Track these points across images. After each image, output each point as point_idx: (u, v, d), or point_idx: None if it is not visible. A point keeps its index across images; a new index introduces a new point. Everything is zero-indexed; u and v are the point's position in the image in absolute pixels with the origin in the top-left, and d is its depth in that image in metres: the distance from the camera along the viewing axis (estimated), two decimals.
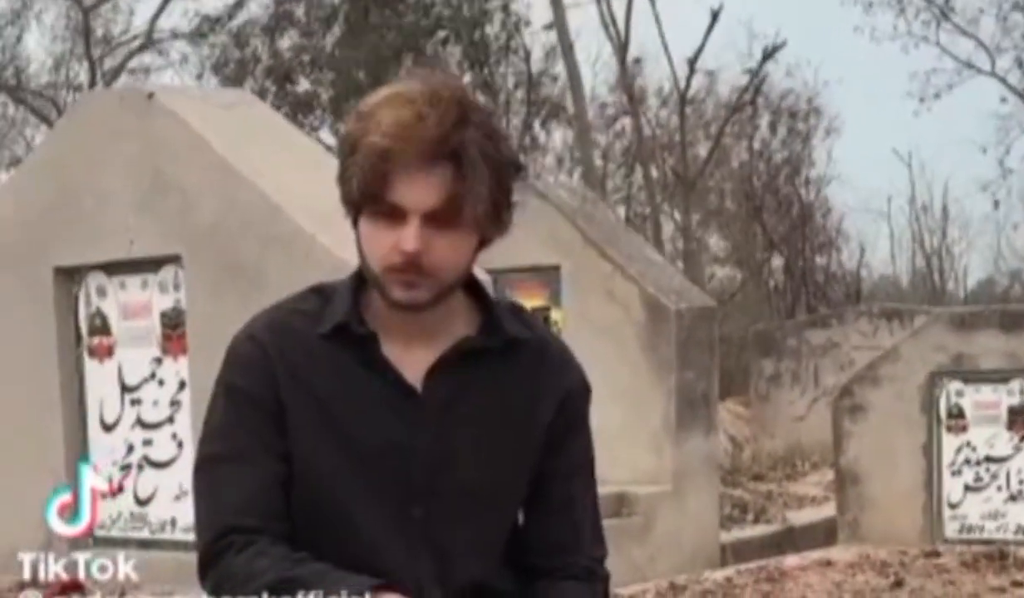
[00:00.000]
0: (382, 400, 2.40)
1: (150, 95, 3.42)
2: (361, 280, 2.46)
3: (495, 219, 2.41)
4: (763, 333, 10.03)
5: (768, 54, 18.94)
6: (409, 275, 2.33)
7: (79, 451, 3.53)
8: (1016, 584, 4.77)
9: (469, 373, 2.45)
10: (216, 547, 2.34)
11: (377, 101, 2.30)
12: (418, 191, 2.28)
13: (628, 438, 5.89)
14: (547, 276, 6.38)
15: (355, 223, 2.39)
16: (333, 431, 2.38)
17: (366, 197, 2.30)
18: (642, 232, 19.98)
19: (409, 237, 2.29)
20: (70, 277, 3.52)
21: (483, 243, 2.39)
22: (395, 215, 2.30)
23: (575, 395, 2.55)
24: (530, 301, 6.40)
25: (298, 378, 2.38)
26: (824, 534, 6.24)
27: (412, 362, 2.42)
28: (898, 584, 4.72)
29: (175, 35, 19.12)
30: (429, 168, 2.28)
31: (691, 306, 6.02)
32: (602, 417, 6.22)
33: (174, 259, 3.35)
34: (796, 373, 9.52)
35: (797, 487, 7.63)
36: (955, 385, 5.70)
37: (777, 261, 19.87)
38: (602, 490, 5.68)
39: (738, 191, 20.71)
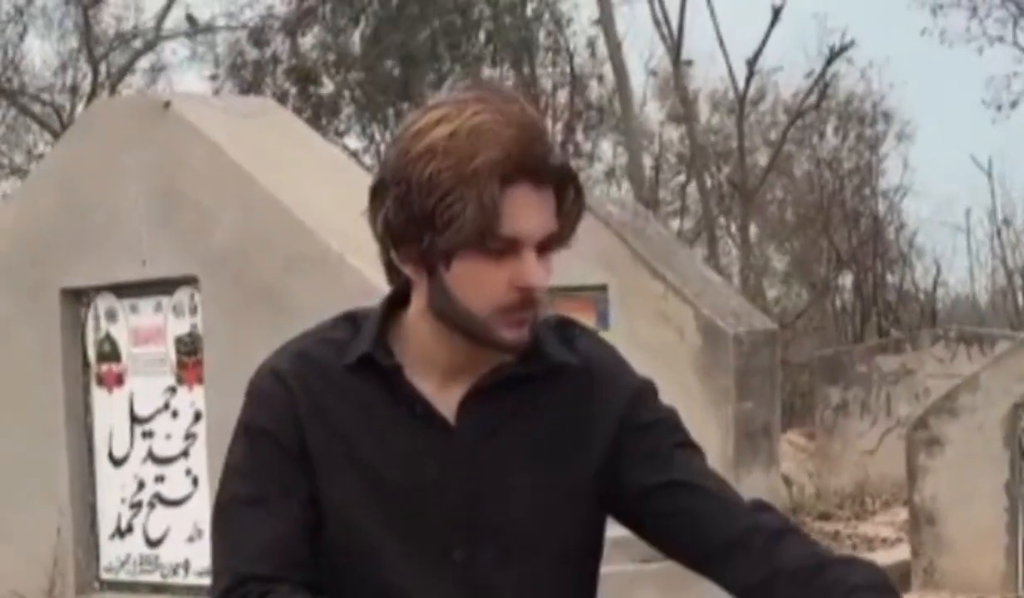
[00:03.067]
0: (412, 436, 2.41)
1: (166, 104, 3.45)
2: (392, 307, 2.47)
3: (574, 233, 2.44)
4: (829, 358, 9.98)
5: (835, 54, 18.90)
6: (523, 313, 2.34)
7: (86, 488, 3.55)
8: None
9: (508, 402, 2.45)
10: (231, 596, 2.36)
11: (464, 127, 2.30)
12: (535, 219, 2.30)
13: None
14: (593, 296, 6.37)
15: (432, 271, 2.38)
16: (361, 471, 2.39)
17: (479, 233, 2.30)
18: (696, 247, 19.99)
19: (533, 270, 2.30)
20: (77, 299, 3.54)
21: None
22: (508, 250, 2.30)
23: (637, 396, 2.54)
24: None
25: (323, 415, 2.40)
26: (897, 579, 6.19)
27: (446, 394, 2.43)
28: None
29: (187, 33, 19.20)
30: (540, 192, 2.30)
31: (751, 330, 6.02)
32: None
33: (190, 281, 3.37)
34: (866, 402, 9.47)
35: (867, 527, 7.59)
36: None
37: (845, 279, 19.78)
38: None
39: (801, 203, 20.65)
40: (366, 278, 2.47)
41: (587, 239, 5.95)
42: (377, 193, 2.34)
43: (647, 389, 2.53)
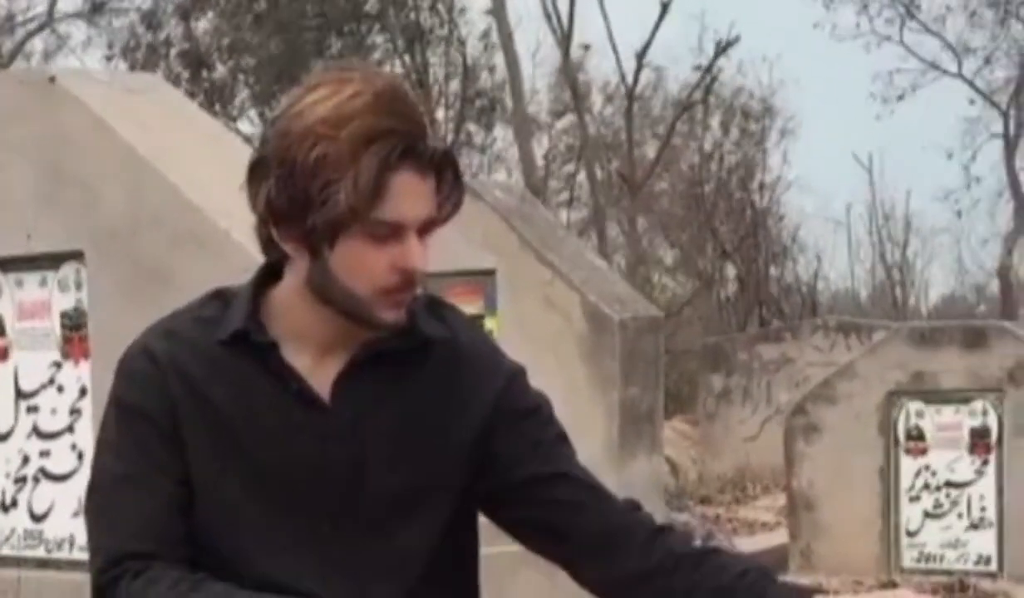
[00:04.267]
0: (286, 413, 2.39)
1: (51, 78, 3.38)
2: (261, 285, 2.45)
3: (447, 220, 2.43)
4: (712, 347, 10.09)
5: (720, 50, 19.03)
6: (403, 294, 2.34)
7: None
8: None
9: (382, 379, 2.45)
10: (110, 574, 2.34)
11: (345, 109, 2.29)
12: (418, 204, 2.29)
13: None
14: (481, 281, 6.36)
15: (315, 251, 2.37)
16: (233, 448, 2.37)
17: (358, 216, 2.29)
18: (585, 238, 20.05)
19: (415, 253, 2.30)
20: None
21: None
22: (390, 233, 2.30)
23: (511, 380, 2.55)
24: (464, 307, 6.37)
25: (195, 391, 2.37)
26: (775, 562, 6.27)
27: (321, 370, 2.41)
28: None
29: (79, 15, 18.98)
30: (424, 178, 2.29)
31: (636, 316, 6.04)
32: None
33: (76, 256, 3.31)
34: (747, 390, 9.58)
35: (747, 512, 7.68)
36: (915, 405, 5.76)
37: (729, 272, 19.93)
38: None
39: (687, 195, 20.78)
40: (251, 255, 2.43)
41: (475, 224, 5.97)
42: (257, 170, 2.31)
43: (521, 374, 2.53)
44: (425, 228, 2.33)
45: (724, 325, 17.05)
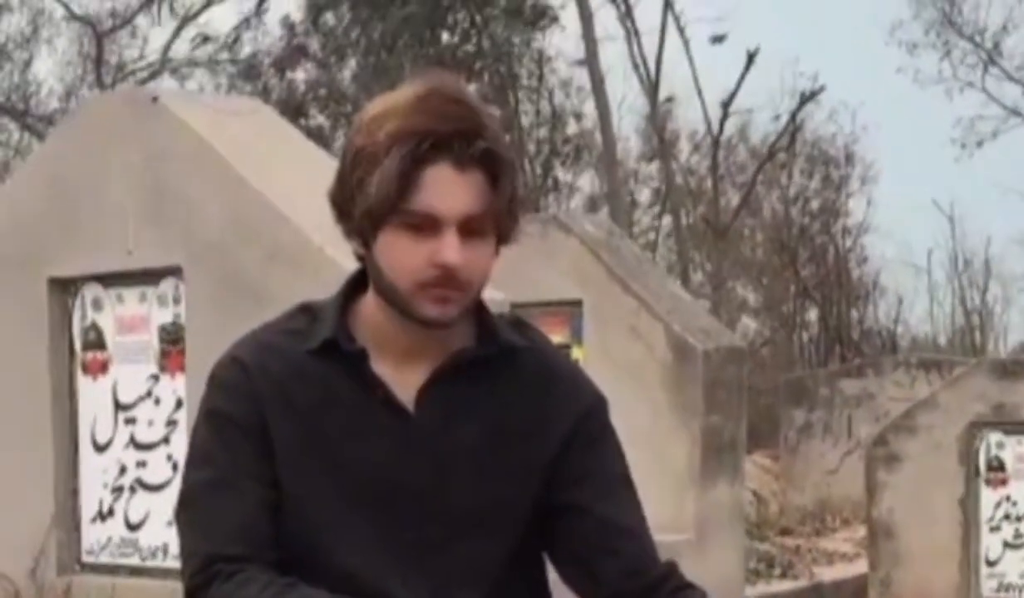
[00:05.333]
0: (372, 421, 2.36)
1: (154, 99, 3.39)
2: (348, 296, 2.42)
3: (515, 226, 2.40)
4: (795, 382, 9.96)
5: (805, 100, 18.94)
6: (444, 290, 2.30)
7: (69, 472, 3.48)
8: None
9: (466, 389, 2.41)
10: (202, 577, 2.31)
11: (390, 107, 2.27)
12: (455, 197, 2.26)
13: (648, 484, 5.77)
14: (568, 312, 6.33)
15: (366, 243, 2.36)
16: (320, 454, 2.34)
17: (392, 207, 2.27)
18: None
19: (450, 248, 2.26)
20: (65, 288, 3.48)
21: (496, 252, 2.36)
22: (427, 226, 2.27)
23: (593, 407, 2.50)
24: (551, 337, 6.34)
25: (284, 399, 2.34)
26: (854, 592, 6.18)
27: (405, 380, 2.38)
28: None
29: (191, 62, 19.19)
30: (463, 172, 2.26)
31: (719, 346, 5.97)
32: None
33: (174, 271, 3.31)
34: (828, 424, 9.45)
35: (827, 543, 7.55)
36: (995, 436, 5.63)
37: (811, 315, 19.77)
38: None
39: (770, 241, 20.65)
40: (344, 270, 2.41)
41: (562, 256, 5.95)
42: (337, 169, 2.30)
43: (604, 402, 2.49)
44: (471, 228, 2.28)
45: (805, 365, 16.88)
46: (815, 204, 20.88)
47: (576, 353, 6.32)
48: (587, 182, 21.03)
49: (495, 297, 3.18)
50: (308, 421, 2.38)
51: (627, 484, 2.56)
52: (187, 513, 2.44)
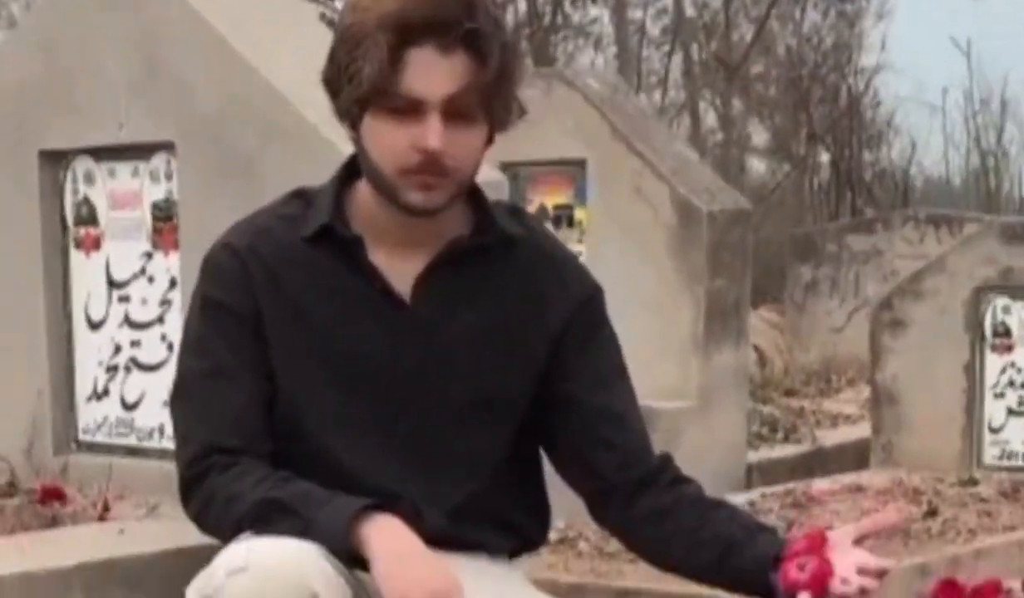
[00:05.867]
0: (368, 309, 2.42)
1: None
2: (344, 182, 2.46)
3: (507, 112, 2.42)
4: (801, 237, 9.99)
5: None
6: (428, 176, 2.36)
7: (63, 350, 3.53)
8: None
9: (462, 279, 2.47)
10: (197, 469, 2.37)
11: None
12: (438, 79, 2.30)
13: (652, 349, 5.88)
14: (572, 171, 6.35)
15: (354, 126, 2.39)
16: (315, 343, 2.40)
17: (377, 90, 2.30)
18: (678, 121, 19.87)
19: (432, 133, 2.31)
20: (56, 161, 3.49)
21: (489, 140, 2.39)
22: (410, 110, 2.30)
23: (590, 297, 2.57)
24: (553, 198, 6.39)
25: (278, 286, 2.40)
26: (856, 456, 6.26)
27: (401, 268, 2.44)
28: (931, 513, 4.75)
29: None
30: (447, 54, 2.28)
31: (725, 208, 6.00)
32: (625, 326, 6.18)
33: (167, 146, 3.32)
34: (835, 281, 9.50)
35: (831, 404, 7.64)
36: (1002, 301, 5.67)
37: (823, 157, 19.74)
38: None
39: (783, 79, 20.54)
40: (339, 150, 2.45)
41: (566, 113, 5.94)
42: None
43: (601, 293, 2.55)
44: (458, 112, 2.31)
45: (816, 211, 16.90)
46: (829, 41, 20.74)
47: (580, 214, 6.35)
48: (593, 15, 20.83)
49: (492, 177, 3.19)
50: (302, 310, 2.43)
51: (623, 375, 2.62)
52: (182, 402, 2.50)
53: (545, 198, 6.44)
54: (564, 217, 6.40)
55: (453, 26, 2.28)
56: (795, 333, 9.40)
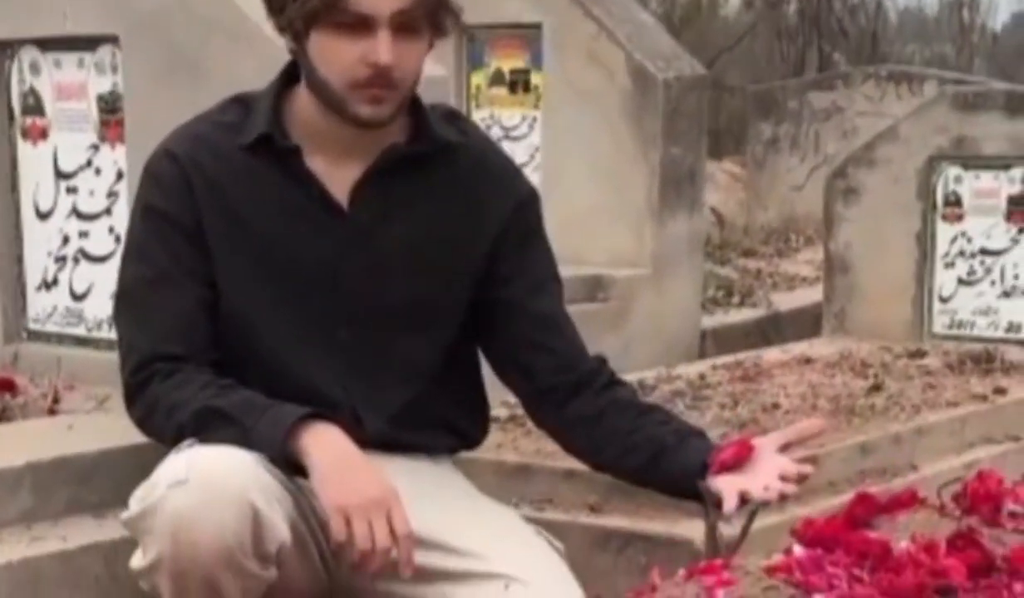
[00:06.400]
0: (307, 217, 2.54)
1: None
2: (282, 89, 2.55)
3: (450, 19, 2.52)
4: (762, 94, 10.06)
5: None
6: (377, 90, 2.47)
7: (12, 240, 3.63)
8: (999, 390, 4.90)
9: (399, 185, 2.58)
10: (140, 376, 2.49)
11: None
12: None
13: (607, 217, 6.00)
14: (528, 35, 6.40)
15: (297, 39, 2.47)
16: (255, 250, 2.51)
17: (327, 6, 2.40)
18: None
19: (383, 48, 2.42)
20: (2, 51, 3.57)
21: (429, 46, 2.50)
22: (359, 26, 2.41)
23: (525, 204, 2.69)
24: (509, 62, 6.44)
25: (218, 195, 2.50)
26: (811, 320, 6.38)
27: (339, 176, 2.55)
28: (876, 388, 4.86)
29: None
30: None
31: (681, 75, 6.06)
32: (580, 193, 6.33)
33: (112, 39, 3.39)
34: (795, 139, 9.60)
35: (788, 265, 7.76)
36: (954, 170, 5.77)
37: None
38: (577, 272, 5.84)
39: None
40: (279, 47, 2.54)
41: None
42: None
43: (536, 198, 2.66)
44: (404, 26, 2.42)
45: (783, 59, 16.84)
46: None
47: (536, 78, 6.42)
48: None
49: (436, 73, 3.28)
50: (242, 217, 2.53)
51: (557, 280, 2.74)
52: (125, 310, 2.61)
53: (502, 62, 6.51)
54: (520, 81, 6.47)
55: None
56: (755, 190, 9.52)
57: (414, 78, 2.50)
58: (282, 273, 2.55)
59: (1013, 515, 2.35)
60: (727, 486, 2.44)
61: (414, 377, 2.64)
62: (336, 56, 2.43)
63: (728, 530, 2.52)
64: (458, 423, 2.75)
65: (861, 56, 16.77)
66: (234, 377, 2.49)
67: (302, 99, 2.55)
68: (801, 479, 2.47)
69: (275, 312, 2.56)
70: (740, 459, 2.48)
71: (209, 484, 2.27)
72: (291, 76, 2.58)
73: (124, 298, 2.58)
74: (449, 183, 2.62)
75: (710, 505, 2.47)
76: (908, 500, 2.44)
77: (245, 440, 2.36)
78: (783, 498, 2.45)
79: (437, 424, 2.70)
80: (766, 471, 2.45)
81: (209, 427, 2.40)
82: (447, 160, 2.61)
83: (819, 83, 10.00)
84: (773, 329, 6.53)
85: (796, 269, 7.58)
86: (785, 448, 2.53)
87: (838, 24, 18.32)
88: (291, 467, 2.38)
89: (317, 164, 2.54)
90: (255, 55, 2.98)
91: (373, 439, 2.53)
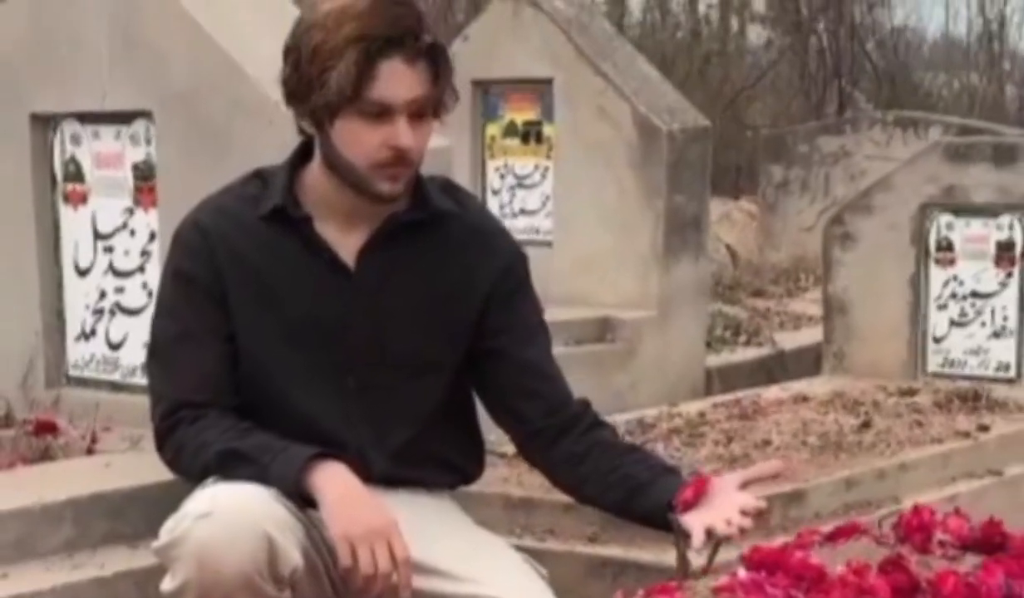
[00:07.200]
0: (318, 279, 2.89)
1: None
2: (296, 164, 2.91)
3: (451, 101, 2.90)
4: (773, 138, 10.42)
5: None
6: (396, 169, 2.83)
7: (55, 295, 3.97)
8: (982, 428, 5.20)
9: (400, 249, 2.94)
10: (169, 422, 2.85)
11: (347, 9, 2.73)
12: (405, 87, 2.77)
13: (615, 261, 6.36)
14: (540, 89, 6.78)
15: (319, 125, 2.82)
16: (272, 309, 2.87)
17: (350, 98, 2.76)
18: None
19: (403, 133, 2.79)
20: (46, 124, 3.92)
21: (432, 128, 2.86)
22: (381, 113, 2.77)
23: (512, 263, 3.04)
24: (523, 114, 6.80)
25: (240, 260, 2.86)
26: (814, 359, 6.69)
27: (347, 241, 2.91)
28: (866, 425, 5.14)
29: None
30: (411, 65, 2.76)
31: (685, 127, 6.41)
32: (589, 239, 6.76)
33: (146, 114, 3.75)
34: (806, 181, 9.93)
35: (796, 304, 8.06)
36: (945, 217, 6.10)
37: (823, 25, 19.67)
38: (586, 314, 6.25)
39: None
40: (297, 125, 2.89)
41: (534, 34, 6.40)
42: (286, 55, 2.81)
43: (523, 259, 3.02)
44: (419, 112, 2.77)
45: (806, 95, 17.02)
46: None
47: (547, 130, 6.77)
48: None
49: (439, 144, 3.62)
50: (261, 280, 2.87)
51: (544, 331, 3.07)
52: (156, 362, 2.96)
53: (515, 114, 6.89)
54: (533, 133, 6.85)
55: (414, 39, 2.72)
56: (767, 231, 9.86)
57: (423, 154, 2.85)
58: (296, 328, 2.88)
59: (942, 543, 2.65)
60: (695, 521, 2.70)
61: (414, 419, 2.96)
62: (360, 141, 2.76)
63: (698, 559, 2.80)
64: (455, 461, 3.06)
65: (883, 94, 17.00)
66: (253, 421, 2.82)
67: (314, 173, 2.89)
68: (758, 514, 2.76)
69: (289, 363, 2.89)
70: (699, 495, 2.77)
71: (230, 517, 2.60)
72: (304, 153, 2.92)
73: (154, 351, 2.93)
74: (444, 247, 2.94)
75: (679, 538, 2.75)
76: (849, 530, 2.73)
77: (263, 477, 2.68)
78: (743, 532, 2.72)
79: (436, 462, 3.01)
80: (728, 507, 2.72)
81: (231, 466, 2.72)
82: (443, 227, 2.94)
83: (828, 128, 10.34)
84: (779, 367, 6.83)
85: (804, 308, 7.88)
86: (744, 486, 2.81)
87: (865, 56, 18.54)
88: (303, 501, 2.70)
89: (327, 231, 2.88)
90: (275, 132, 3.29)
91: (378, 476, 2.85)
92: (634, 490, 2.85)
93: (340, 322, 2.90)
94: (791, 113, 15.24)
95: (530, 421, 3.02)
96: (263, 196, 2.91)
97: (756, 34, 20.39)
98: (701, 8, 18.87)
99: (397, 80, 2.72)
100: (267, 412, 2.88)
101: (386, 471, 2.91)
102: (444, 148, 3.65)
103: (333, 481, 2.68)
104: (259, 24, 3.65)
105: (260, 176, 2.98)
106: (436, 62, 2.76)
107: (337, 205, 2.87)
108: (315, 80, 2.72)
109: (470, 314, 2.97)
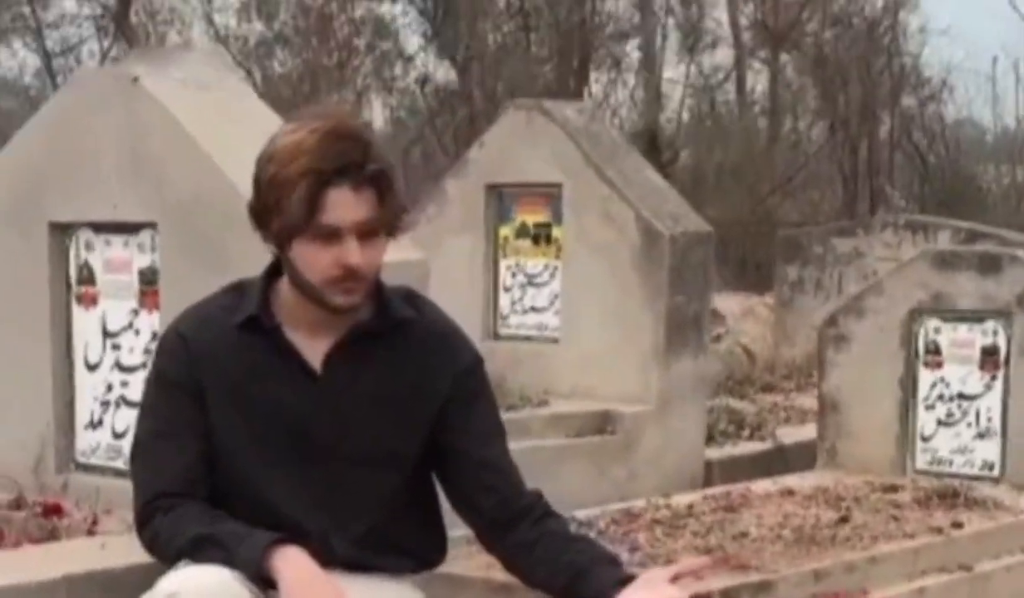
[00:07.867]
0: (287, 381, 3.18)
1: (135, 79, 4.15)
2: (270, 277, 3.22)
3: (400, 221, 3.20)
4: (789, 239, 10.71)
5: None
6: (349, 283, 3.12)
7: (66, 387, 4.31)
8: (956, 524, 5.45)
9: (363, 354, 3.22)
10: (148, 510, 3.15)
11: (300, 145, 3.03)
12: (352, 211, 3.06)
13: (617, 357, 6.67)
14: (551, 192, 7.13)
15: (280, 247, 3.13)
16: (245, 409, 3.16)
17: (303, 224, 3.06)
18: (724, 88, 20.26)
19: (352, 253, 3.07)
20: (63, 232, 4.27)
21: (386, 246, 3.16)
22: (331, 236, 3.07)
23: (470, 367, 3.31)
24: (533, 216, 7.14)
25: (216, 364, 3.16)
26: (812, 454, 6.93)
27: (314, 347, 3.19)
28: (843, 519, 5.40)
29: None
30: (357, 191, 3.06)
31: (687, 231, 6.73)
32: (593, 336, 7.14)
33: (151, 225, 4.09)
34: (820, 281, 10.22)
35: (804, 399, 8.30)
36: (933, 322, 6.38)
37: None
38: (587, 408, 6.59)
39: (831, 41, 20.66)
40: None
41: (545, 142, 6.78)
42: (253, 184, 3.12)
43: (480, 363, 3.30)
44: (368, 232, 3.05)
45: (834, 193, 17.28)
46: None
47: (556, 232, 7.10)
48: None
49: (412, 257, 3.93)
50: (234, 382, 3.16)
51: (499, 431, 3.35)
52: (138, 455, 3.25)
53: (526, 216, 7.24)
54: (543, 234, 7.20)
55: (359, 169, 3.00)
56: (782, 328, 10.15)
57: (377, 270, 3.12)
58: (266, 425, 3.16)
59: None
60: None
61: (375, 508, 3.22)
62: (314, 260, 3.03)
63: None
64: (416, 547, 3.29)
65: (930, 188, 17.20)
66: (224, 509, 3.11)
67: (284, 287, 3.18)
68: None
69: (259, 456, 3.16)
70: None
71: (195, 596, 2.90)
72: (278, 266, 3.23)
73: (137, 447, 3.21)
74: (404, 352, 3.22)
75: None
76: None
77: (230, 561, 2.94)
78: None
79: (397, 548, 3.23)
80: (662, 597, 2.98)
81: (202, 550, 3.00)
82: (403, 333, 3.21)
83: (843, 229, 10.64)
84: (779, 461, 7.07)
85: (811, 403, 8.10)
86: (675, 579, 3.06)
87: (916, 151, 18.77)
88: (265, 582, 2.98)
89: (296, 338, 3.16)
90: (264, 245, 3.61)
91: (341, 560, 3.13)
92: (577, 576, 3.07)
93: (306, 419, 3.16)
94: (824, 210, 15.50)
95: (486, 511, 3.24)
96: (240, 306, 3.19)
97: (794, 132, 20.69)
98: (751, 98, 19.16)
99: (344, 206, 2.97)
100: (238, 502, 3.13)
101: (349, 556, 3.15)
102: (420, 261, 3.96)
103: (291, 563, 2.93)
104: (253, 146, 3.99)
105: (239, 288, 3.26)
106: (380, 187, 3.03)
107: (303, 315, 3.14)
108: (273, 208, 3.01)
109: (430, 413, 3.22)
